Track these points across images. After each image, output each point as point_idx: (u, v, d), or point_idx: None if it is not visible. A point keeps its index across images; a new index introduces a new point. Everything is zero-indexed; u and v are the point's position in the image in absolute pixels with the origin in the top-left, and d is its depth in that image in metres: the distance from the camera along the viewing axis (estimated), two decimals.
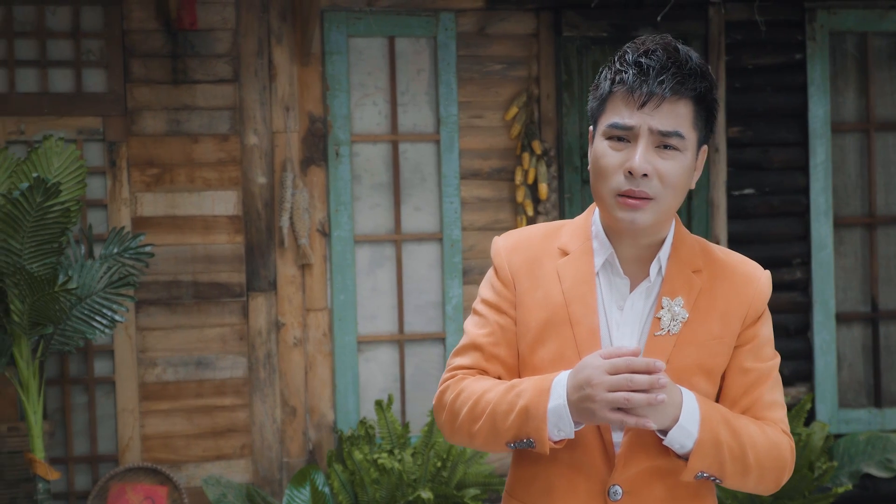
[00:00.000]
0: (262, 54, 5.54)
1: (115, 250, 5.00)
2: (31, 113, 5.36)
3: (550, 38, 5.81)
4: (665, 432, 2.11)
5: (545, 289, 2.22)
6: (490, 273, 2.31)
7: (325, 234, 5.61)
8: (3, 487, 5.21)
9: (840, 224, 6.14)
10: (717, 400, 2.27)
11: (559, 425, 2.10)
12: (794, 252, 6.09)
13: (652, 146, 2.12)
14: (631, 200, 2.12)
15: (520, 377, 2.25)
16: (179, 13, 5.39)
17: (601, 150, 2.16)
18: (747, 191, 6.04)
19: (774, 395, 2.25)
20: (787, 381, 6.07)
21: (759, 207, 6.06)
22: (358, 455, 5.22)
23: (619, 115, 2.13)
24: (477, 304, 2.31)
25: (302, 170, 5.58)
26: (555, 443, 2.13)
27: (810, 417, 6.01)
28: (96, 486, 5.31)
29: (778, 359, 2.29)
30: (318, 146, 5.60)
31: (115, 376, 5.45)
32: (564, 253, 2.25)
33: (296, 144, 5.58)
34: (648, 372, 2.03)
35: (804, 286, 6.09)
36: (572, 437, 2.12)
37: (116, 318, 4.90)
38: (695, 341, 2.19)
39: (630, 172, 2.11)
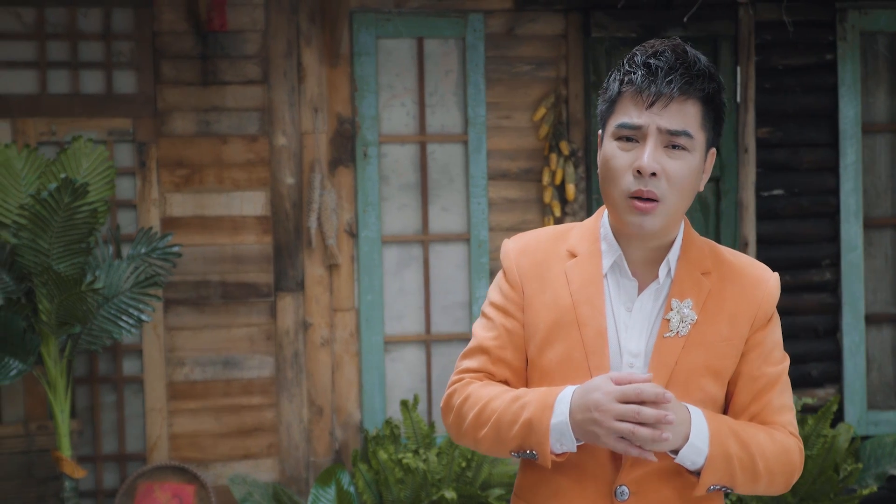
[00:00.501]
0: (292, 55, 5.57)
1: (143, 250, 5.04)
2: (62, 114, 5.40)
3: (579, 38, 5.80)
4: (676, 451, 2.12)
5: (553, 291, 2.24)
6: (499, 275, 2.33)
7: (353, 234, 5.63)
8: (33, 485, 5.26)
9: (870, 225, 6.09)
10: (727, 404, 2.29)
11: (561, 440, 2.12)
12: (823, 253, 6.06)
13: (660, 146, 2.14)
14: (641, 204, 2.13)
15: (528, 379, 2.28)
16: (209, 15, 5.43)
17: (610, 151, 2.17)
18: (776, 191, 6.01)
19: (783, 398, 2.28)
20: (816, 383, 6.04)
21: (788, 208, 6.03)
22: (383, 455, 5.24)
23: (627, 115, 2.15)
24: (485, 307, 2.33)
25: (330, 170, 5.61)
26: (556, 455, 2.15)
27: (839, 419, 5.97)
28: (124, 484, 5.35)
29: (787, 362, 2.30)
30: (346, 147, 5.63)
31: (143, 375, 5.50)
32: (573, 255, 2.26)
33: (324, 145, 5.60)
34: (658, 402, 2.04)
35: (833, 287, 6.05)
36: (574, 450, 2.13)
37: (143, 317, 4.94)
38: (703, 343, 2.20)
39: (639, 171, 2.12)
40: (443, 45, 5.75)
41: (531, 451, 2.15)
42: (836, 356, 6.06)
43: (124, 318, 4.90)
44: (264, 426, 5.60)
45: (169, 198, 5.50)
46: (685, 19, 5.59)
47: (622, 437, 2.06)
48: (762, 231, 5.97)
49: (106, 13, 5.46)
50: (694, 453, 2.12)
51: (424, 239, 5.72)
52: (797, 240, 6.04)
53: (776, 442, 2.21)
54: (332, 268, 5.62)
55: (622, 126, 2.15)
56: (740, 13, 5.86)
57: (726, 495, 5.32)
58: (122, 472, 5.53)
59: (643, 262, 2.24)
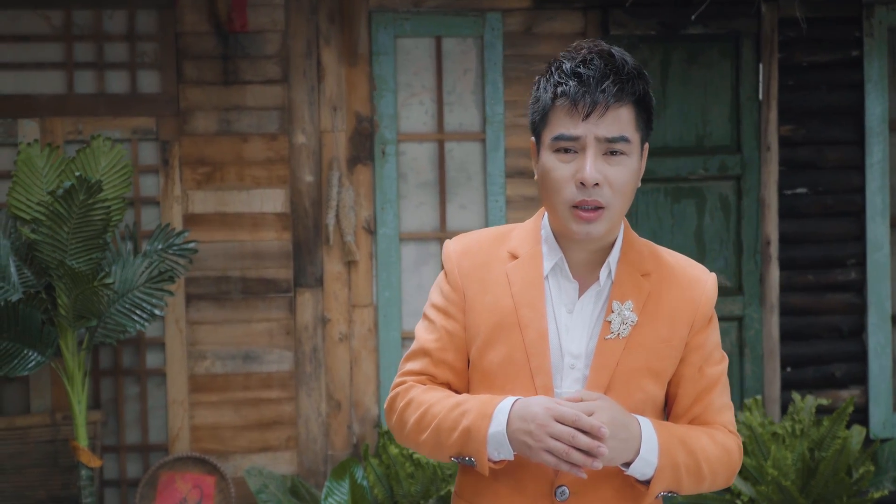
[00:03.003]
0: (311, 55, 5.65)
1: (160, 246, 5.17)
2: (88, 113, 5.55)
3: (598, 36, 5.80)
4: (627, 464, 2.15)
5: (494, 293, 2.25)
6: (440, 277, 2.34)
7: (371, 231, 5.71)
8: (58, 473, 5.42)
9: None
10: (668, 405, 2.32)
11: (499, 449, 2.14)
12: (848, 252, 5.99)
13: (600, 154, 2.15)
14: (584, 213, 2.15)
15: (470, 380, 2.30)
16: (230, 16, 5.53)
17: (550, 163, 2.17)
18: (800, 190, 5.96)
19: (724, 398, 2.31)
20: (840, 384, 5.98)
21: (812, 207, 5.97)
22: (393, 449, 5.30)
23: (564, 126, 2.15)
24: (427, 309, 2.34)
25: (349, 168, 5.68)
26: (494, 463, 2.17)
27: (863, 421, 5.90)
28: (147, 473, 5.49)
29: (726, 361, 2.33)
30: (364, 145, 5.70)
31: (165, 368, 5.63)
32: (514, 257, 2.27)
33: (343, 143, 5.68)
34: (593, 435, 2.05)
35: (859, 287, 5.98)
36: (512, 458, 2.15)
37: (156, 312, 5.06)
38: (644, 344, 2.22)
39: (582, 183, 2.13)
40: (461, 43, 5.79)
41: (470, 458, 2.18)
42: (861, 357, 5.99)
43: (138, 312, 5.02)
44: (283, 419, 5.70)
45: (191, 195, 5.62)
46: (693, 17, 5.57)
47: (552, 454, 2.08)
48: (785, 230, 5.93)
49: (130, 15, 5.59)
50: (644, 465, 2.15)
51: (442, 236, 5.77)
52: (821, 239, 5.98)
53: (718, 444, 2.25)
54: (350, 264, 5.70)
55: (560, 138, 2.16)
56: (763, 9, 5.82)
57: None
58: (144, 463, 5.66)
59: (584, 264, 2.26)
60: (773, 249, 5.88)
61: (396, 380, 2.35)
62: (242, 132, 5.64)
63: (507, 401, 2.15)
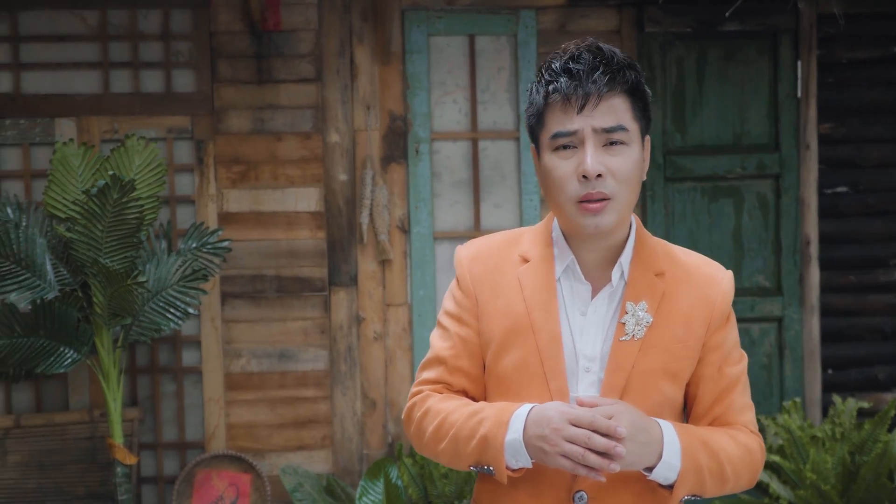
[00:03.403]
0: (344, 54, 5.65)
1: (194, 245, 5.19)
2: (123, 112, 5.59)
3: (633, 34, 5.76)
4: (650, 468, 2.13)
5: (507, 297, 2.24)
6: (453, 283, 2.33)
7: (405, 230, 5.70)
8: (96, 470, 5.47)
9: None
10: (687, 406, 2.30)
11: (516, 457, 2.12)
12: (890, 252, 5.90)
13: (599, 146, 2.14)
14: (591, 205, 2.13)
15: (486, 386, 2.28)
16: (264, 15, 5.55)
17: (551, 163, 2.17)
18: (840, 189, 5.88)
19: (744, 398, 2.29)
20: (883, 386, 5.89)
21: (853, 206, 5.89)
22: None
23: (560, 123, 2.15)
24: (441, 316, 2.33)
25: (382, 167, 5.68)
26: (513, 471, 2.15)
27: None
28: (183, 471, 5.52)
29: (745, 360, 2.30)
30: (398, 144, 5.69)
31: (202, 366, 5.65)
32: (525, 260, 2.26)
33: (376, 142, 5.68)
34: (609, 435, 2.03)
35: None
36: (530, 466, 2.13)
37: (189, 310, 5.08)
38: (659, 345, 2.19)
39: (584, 176, 2.12)
40: (494, 41, 5.77)
41: (488, 467, 2.16)
42: None
43: (172, 310, 5.05)
44: (318, 418, 5.71)
45: (226, 193, 5.65)
46: (727, 14, 5.50)
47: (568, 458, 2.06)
48: (825, 230, 5.85)
49: (165, 14, 5.62)
50: (667, 470, 2.13)
51: (476, 235, 5.75)
52: (862, 238, 5.90)
53: (740, 445, 2.23)
54: (384, 263, 5.69)
55: (557, 135, 2.15)
56: (801, 6, 5.74)
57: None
58: (181, 460, 5.70)
59: (596, 264, 2.24)
60: (813, 249, 5.80)
61: (413, 389, 2.34)
62: (276, 131, 5.66)
63: (524, 408, 2.13)
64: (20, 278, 4.94)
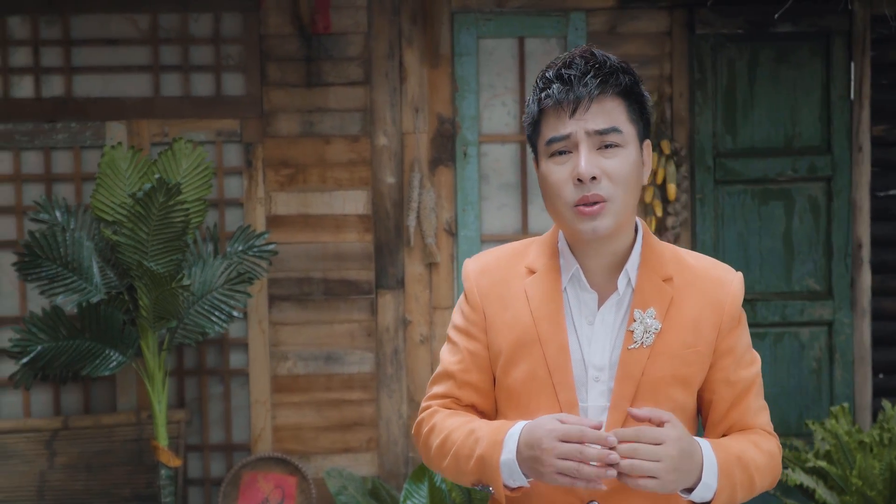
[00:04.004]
0: (393, 57, 5.65)
1: (240, 248, 5.21)
2: (173, 116, 5.62)
3: (684, 35, 5.71)
4: (688, 489, 2.11)
5: (514, 309, 2.23)
6: (461, 298, 2.33)
7: (452, 233, 5.69)
8: (143, 471, 5.50)
9: None
10: (702, 412, 2.28)
11: (512, 476, 2.11)
12: None
13: (594, 149, 2.13)
14: (587, 209, 2.12)
15: (497, 399, 2.28)
16: (314, 18, 5.56)
17: (547, 169, 2.17)
18: (893, 191, 5.79)
19: (760, 400, 2.28)
20: None
21: None
22: None
23: (553, 129, 2.15)
24: (449, 331, 2.34)
25: (430, 170, 5.67)
26: (511, 490, 2.13)
27: None
28: (230, 473, 5.53)
29: (759, 362, 2.29)
30: (446, 147, 5.68)
31: (248, 368, 5.67)
32: (531, 272, 2.26)
33: (424, 145, 5.67)
34: (600, 441, 2.00)
35: None
36: (527, 485, 2.11)
37: (234, 313, 5.10)
38: (669, 352, 2.18)
39: (579, 180, 2.12)
40: (544, 44, 5.74)
41: (488, 486, 2.16)
42: None
43: (216, 313, 5.07)
44: (364, 421, 5.71)
45: (274, 196, 5.66)
46: (776, 16, 5.44)
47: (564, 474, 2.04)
48: (877, 233, 5.77)
49: (216, 18, 5.65)
50: (704, 490, 2.11)
51: (524, 238, 5.71)
52: None
53: (764, 452, 2.22)
54: (431, 266, 5.68)
55: (552, 141, 2.15)
56: (854, 7, 5.67)
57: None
58: (228, 462, 5.71)
59: (602, 272, 2.22)
60: (865, 253, 5.73)
61: (423, 404, 2.34)
62: (325, 134, 5.66)
63: (517, 427, 2.11)
64: (67, 281, 4.98)
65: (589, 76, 2.13)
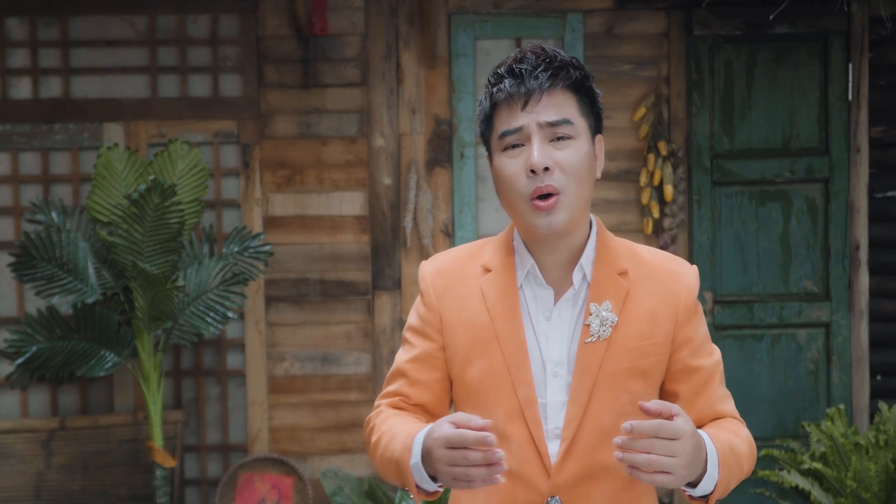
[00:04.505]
0: (390, 58, 5.65)
1: (236, 249, 5.21)
2: (171, 117, 5.63)
3: (681, 37, 5.70)
4: (693, 484, 2.10)
5: (470, 308, 2.25)
6: (417, 299, 2.34)
7: (449, 234, 5.69)
8: (140, 472, 5.51)
9: None
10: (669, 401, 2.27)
11: (422, 480, 2.08)
12: None
13: (546, 141, 2.16)
14: (542, 203, 2.14)
15: (455, 397, 2.29)
16: (311, 19, 5.56)
17: (500, 163, 2.19)
18: (891, 193, 5.78)
19: (723, 388, 2.29)
20: None
21: None
22: None
23: (506, 122, 2.17)
24: (405, 332, 2.35)
25: (427, 171, 5.67)
26: (428, 493, 2.11)
27: None
28: (226, 473, 5.54)
29: (718, 353, 2.31)
30: (443, 148, 5.68)
31: (245, 369, 5.68)
32: (487, 270, 2.27)
33: (421, 146, 5.67)
34: (479, 444, 1.95)
35: None
36: (438, 489, 2.09)
37: (229, 314, 5.10)
38: (626, 344, 2.19)
39: (532, 171, 2.14)
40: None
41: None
42: None
43: (211, 314, 5.07)
44: (360, 422, 5.71)
45: (271, 197, 5.67)
46: (771, 17, 5.42)
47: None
48: (875, 234, 5.76)
49: (213, 19, 5.66)
50: (708, 482, 2.10)
51: None
52: None
53: (744, 440, 2.23)
54: None
55: (505, 134, 2.17)
56: (853, 8, 5.65)
57: None
58: (225, 462, 5.72)
59: (557, 268, 2.24)
60: (863, 254, 5.71)
61: (376, 402, 2.35)
62: (322, 135, 5.67)
63: (423, 431, 2.09)
64: (62, 282, 4.99)
65: (539, 70, 2.15)
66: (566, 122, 2.16)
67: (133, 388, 5.61)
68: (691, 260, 5.74)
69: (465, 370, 2.23)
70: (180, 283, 4.76)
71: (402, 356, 2.32)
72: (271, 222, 5.66)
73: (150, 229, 4.86)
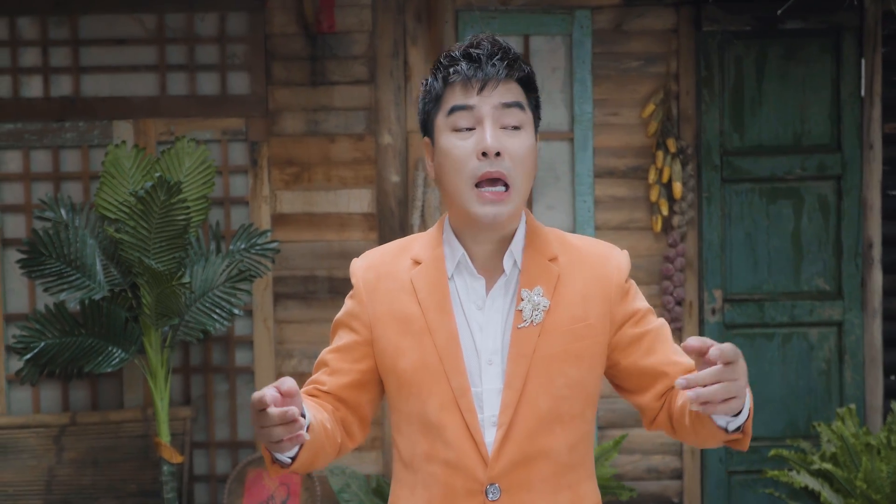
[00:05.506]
0: (398, 55, 5.65)
1: (243, 246, 5.23)
2: (179, 115, 5.65)
3: (690, 33, 5.66)
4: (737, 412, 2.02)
5: (401, 301, 2.25)
6: (349, 294, 2.35)
7: None
8: (149, 467, 5.54)
9: None
10: (637, 382, 2.25)
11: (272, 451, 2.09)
12: None
13: (497, 126, 2.16)
14: (490, 192, 2.14)
15: (388, 391, 2.29)
16: (318, 17, 5.57)
17: (448, 144, 2.18)
18: None
19: (675, 344, 2.27)
20: None
21: None
22: None
23: (458, 99, 2.17)
24: (333, 324, 2.36)
25: None
26: (283, 466, 2.11)
27: None
28: (235, 470, 5.56)
29: (664, 321, 2.29)
30: None
31: (254, 366, 5.69)
32: (417, 263, 2.27)
33: None
34: (258, 406, 1.94)
35: None
36: (286, 462, 2.09)
37: (235, 311, 5.12)
38: (559, 328, 2.19)
39: (484, 154, 2.14)
40: (549, 42, 5.71)
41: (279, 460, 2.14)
42: None
43: (217, 311, 5.09)
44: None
45: (279, 195, 5.68)
46: (779, 12, 5.36)
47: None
48: (888, 232, 5.69)
49: (221, 17, 5.68)
50: (745, 411, 2.04)
51: None
52: None
53: None
54: None
55: (455, 109, 2.17)
56: (865, 2, 5.59)
57: None
58: (233, 459, 5.74)
59: (488, 257, 2.24)
60: (876, 252, 5.65)
61: None
62: (330, 133, 5.68)
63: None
64: (71, 278, 5.02)
65: (496, 58, 2.17)
66: (519, 105, 2.17)
67: (142, 384, 5.64)
68: (701, 258, 5.69)
69: (397, 362, 2.23)
70: (186, 279, 4.78)
71: (327, 347, 2.34)
72: (279, 219, 5.67)
73: (157, 226, 4.88)
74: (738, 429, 2.07)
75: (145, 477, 5.56)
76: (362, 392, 2.28)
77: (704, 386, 1.90)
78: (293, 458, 2.10)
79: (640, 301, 2.27)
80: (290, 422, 1.95)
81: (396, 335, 2.23)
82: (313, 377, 2.31)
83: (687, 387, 1.90)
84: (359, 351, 2.27)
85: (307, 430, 2.08)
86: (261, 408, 1.95)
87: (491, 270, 2.24)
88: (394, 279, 2.27)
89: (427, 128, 2.25)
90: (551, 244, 2.26)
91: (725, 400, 1.92)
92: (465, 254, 2.23)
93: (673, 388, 2.21)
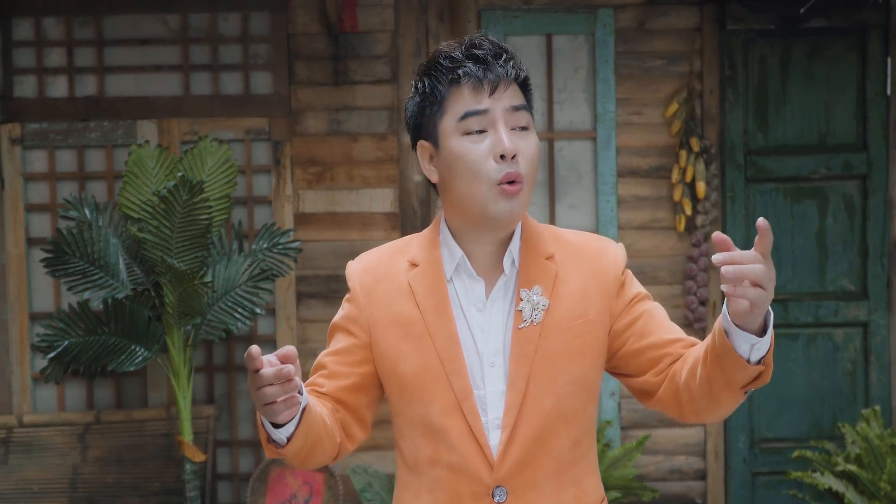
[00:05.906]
0: (420, 55, 5.65)
1: (265, 245, 5.24)
2: (203, 114, 5.67)
3: (714, 31, 5.63)
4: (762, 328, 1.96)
5: (399, 304, 2.23)
6: (346, 297, 2.33)
7: None
8: (172, 466, 5.56)
9: None
10: (643, 363, 2.22)
11: (273, 432, 2.08)
12: None
13: (508, 129, 2.14)
14: (510, 188, 2.12)
15: (389, 394, 2.28)
16: (341, 16, 5.58)
17: (461, 148, 2.15)
18: None
19: (671, 323, 2.25)
20: None
21: None
22: None
23: (471, 104, 2.14)
24: (330, 327, 2.34)
25: None
26: (278, 447, 2.10)
27: None
28: (258, 468, 5.58)
29: (658, 304, 2.28)
30: None
31: None
32: (414, 265, 2.25)
33: None
34: (251, 367, 1.93)
35: None
36: (282, 441, 2.07)
37: (256, 310, 5.13)
38: (560, 326, 2.19)
39: (502, 156, 2.12)
40: (572, 41, 5.70)
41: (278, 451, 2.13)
42: None
43: (240, 310, 5.11)
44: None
45: (302, 194, 5.69)
46: (801, 11, 5.33)
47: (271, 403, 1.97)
48: None
49: (244, 17, 5.69)
50: (766, 338, 1.96)
51: None
52: None
53: None
54: None
55: (468, 115, 2.13)
56: (891, 0, 5.54)
57: None
58: (256, 458, 5.76)
59: (487, 259, 2.23)
60: None
61: None
62: (352, 132, 5.68)
63: None
64: (94, 277, 5.05)
65: (502, 59, 2.14)
66: (526, 108, 2.17)
67: (166, 383, 5.66)
68: None
69: (398, 366, 2.21)
70: (208, 279, 4.79)
71: (325, 350, 2.32)
72: (302, 219, 5.69)
73: (179, 225, 4.90)
74: (759, 361, 1.98)
75: (169, 475, 5.58)
76: (361, 395, 2.27)
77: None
78: (289, 439, 2.07)
79: (635, 287, 2.26)
80: (284, 381, 1.93)
81: (396, 339, 2.22)
82: (310, 379, 2.29)
83: (723, 262, 1.85)
84: (358, 354, 2.25)
85: (304, 412, 2.07)
86: (255, 367, 1.94)
87: (490, 271, 2.23)
88: (391, 281, 2.26)
89: (425, 131, 2.21)
90: (547, 242, 2.24)
91: (755, 285, 1.85)
92: (465, 255, 2.22)
93: (673, 364, 2.17)
